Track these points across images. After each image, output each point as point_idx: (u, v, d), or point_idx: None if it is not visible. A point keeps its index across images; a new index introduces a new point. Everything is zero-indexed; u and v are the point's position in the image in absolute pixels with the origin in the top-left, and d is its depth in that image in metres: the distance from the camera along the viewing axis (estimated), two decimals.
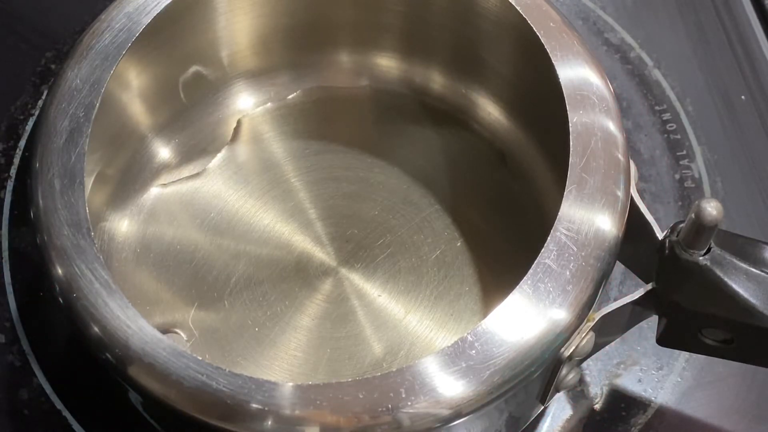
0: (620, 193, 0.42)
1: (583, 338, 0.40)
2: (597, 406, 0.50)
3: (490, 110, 0.54)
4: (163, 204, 0.53)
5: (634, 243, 0.42)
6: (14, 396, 0.50)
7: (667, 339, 0.45)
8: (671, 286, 0.41)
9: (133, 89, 0.49)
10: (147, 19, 0.46)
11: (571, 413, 0.49)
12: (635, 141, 0.57)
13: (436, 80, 0.55)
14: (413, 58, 0.55)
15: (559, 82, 0.44)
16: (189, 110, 0.54)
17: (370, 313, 0.49)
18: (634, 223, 0.42)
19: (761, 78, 0.59)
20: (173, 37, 0.49)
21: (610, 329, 0.43)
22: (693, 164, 0.56)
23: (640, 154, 0.57)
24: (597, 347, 0.43)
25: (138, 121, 0.51)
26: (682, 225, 0.40)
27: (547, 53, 0.44)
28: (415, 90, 0.56)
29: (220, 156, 0.54)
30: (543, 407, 0.46)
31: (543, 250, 0.40)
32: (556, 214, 0.40)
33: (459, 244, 0.51)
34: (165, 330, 0.48)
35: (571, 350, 0.40)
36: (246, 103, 0.56)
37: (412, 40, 0.54)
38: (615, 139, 0.43)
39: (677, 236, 0.39)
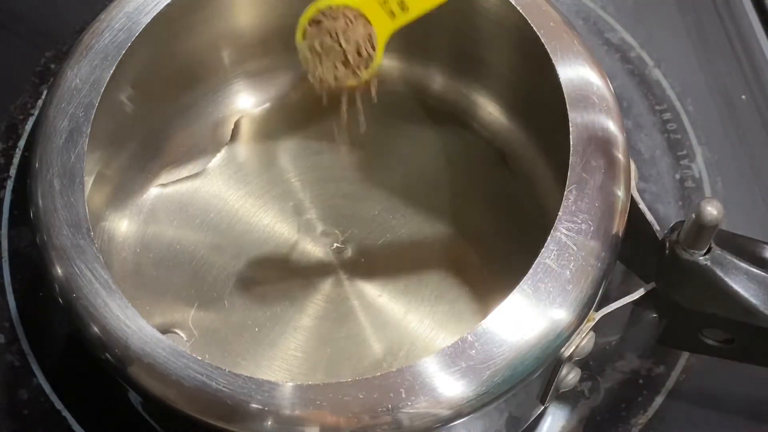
0: (620, 193, 0.42)
1: (583, 338, 0.40)
2: (597, 406, 0.50)
3: (490, 110, 0.54)
4: (163, 204, 0.53)
5: (634, 243, 0.42)
6: (14, 396, 0.50)
7: (667, 339, 0.45)
8: (671, 286, 0.41)
9: (132, 89, 0.49)
10: (147, 19, 0.46)
11: (571, 413, 0.49)
12: (635, 141, 0.57)
13: (436, 80, 0.55)
14: (413, 58, 0.55)
15: (560, 82, 0.44)
16: (189, 110, 0.54)
17: (370, 313, 0.49)
18: (634, 223, 0.42)
19: (761, 78, 0.59)
20: (173, 37, 0.49)
21: (610, 329, 0.44)
22: (693, 164, 0.56)
23: (641, 153, 0.57)
24: (597, 347, 0.43)
25: (137, 121, 0.51)
26: (682, 225, 0.40)
27: (548, 53, 0.44)
28: (415, 90, 0.56)
29: (220, 156, 0.54)
30: (543, 407, 0.46)
31: (543, 250, 0.40)
32: (556, 214, 0.40)
33: (459, 244, 0.51)
34: (165, 330, 0.48)
35: (571, 350, 0.40)
36: (246, 103, 0.56)
37: (412, 40, 0.54)
38: (615, 138, 0.43)
39: (677, 236, 0.39)
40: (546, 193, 0.51)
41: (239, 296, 0.50)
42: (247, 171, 0.54)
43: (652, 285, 0.42)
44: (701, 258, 0.39)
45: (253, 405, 0.37)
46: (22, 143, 0.58)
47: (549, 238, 0.40)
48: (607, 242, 0.40)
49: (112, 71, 0.45)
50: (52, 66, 0.60)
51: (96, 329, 0.39)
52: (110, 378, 0.40)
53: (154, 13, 0.46)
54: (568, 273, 0.39)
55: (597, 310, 0.41)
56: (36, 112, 0.59)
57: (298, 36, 0.44)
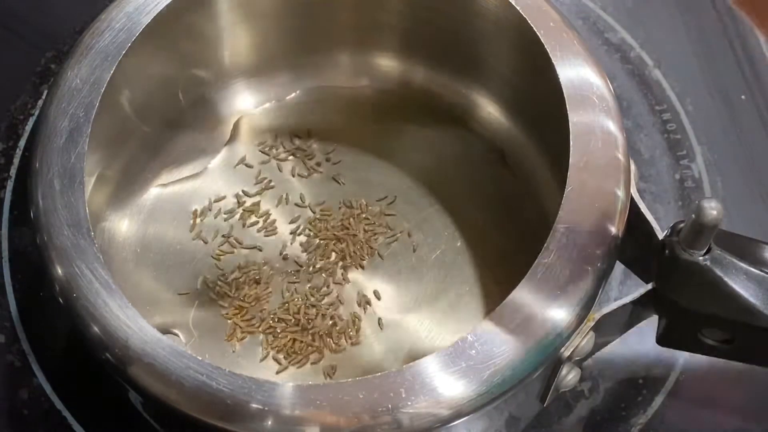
0: (620, 193, 0.42)
1: (583, 338, 0.40)
2: (597, 406, 0.50)
3: (490, 110, 0.54)
4: (163, 204, 0.53)
5: (634, 243, 0.42)
6: (14, 396, 0.50)
7: (667, 339, 0.45)
8: (671, 286, 0.41)
9: (132, 89, 0.49)
10: (147, 19, 0.46)
11: (571, 413, 0.49)
12: (635, 141, 0.57)
13: (436, 80, 0.55)
14: (413, 58, 0.55)
15: (559, 82, 0.44)
16: (189, 110, 0.54)
17: (370, 313, 0.49)
18: (634, 223, 0.42)
19: (761, 78, 0.59)
20: (173, 37, 0.49)
21: (610, 329, 0.44)
22: (693, 164, 0.56)
23: (640, 154, 0.57)
24: (597, 347, 0.43)
25: (138, 121, 0.51)
26: (682, 225, 0.40)
27: (547, 53, 0.44)
28: (415, 90, 0.56)
29: (220, 156, 0.54)
30: (543, 407, 0.46)
31: (543, 250, 0.40)
32: (556, 214, 0.40)
33: (459, 244, 0.51)
34: (165, 330, 0.48)
35: (571, 350, 0.40)
36: (246, 103, 0.56)
37: (412, 40, 0.54)
38: (615, 139, 0.43)
39: (677, 236, 0.39)
40: (546, 193, 0.51)
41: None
42: (246, 171, 0.54)
43: (652, 285, 0.42)
44: (701, 258, 0.39)
45: (253, 405, 0.37)
46: (22, 143, 0.58)
47: (549, 238, 0.40)
48: (607, 242, 0.40)
49: (112, 71, 0.45)
50: (53, 66, 0.60)
51: (96, 329, 0.39)
52: (110, 378, 0.40)
53: (154, 13, 0.46)
54: (568, 273, 0.39)
55: (597, 310, 0.41)
56: (36, 113, 0.59)
57: None
